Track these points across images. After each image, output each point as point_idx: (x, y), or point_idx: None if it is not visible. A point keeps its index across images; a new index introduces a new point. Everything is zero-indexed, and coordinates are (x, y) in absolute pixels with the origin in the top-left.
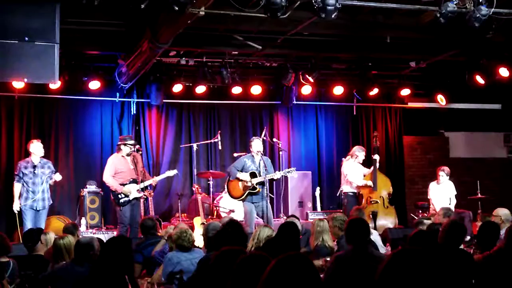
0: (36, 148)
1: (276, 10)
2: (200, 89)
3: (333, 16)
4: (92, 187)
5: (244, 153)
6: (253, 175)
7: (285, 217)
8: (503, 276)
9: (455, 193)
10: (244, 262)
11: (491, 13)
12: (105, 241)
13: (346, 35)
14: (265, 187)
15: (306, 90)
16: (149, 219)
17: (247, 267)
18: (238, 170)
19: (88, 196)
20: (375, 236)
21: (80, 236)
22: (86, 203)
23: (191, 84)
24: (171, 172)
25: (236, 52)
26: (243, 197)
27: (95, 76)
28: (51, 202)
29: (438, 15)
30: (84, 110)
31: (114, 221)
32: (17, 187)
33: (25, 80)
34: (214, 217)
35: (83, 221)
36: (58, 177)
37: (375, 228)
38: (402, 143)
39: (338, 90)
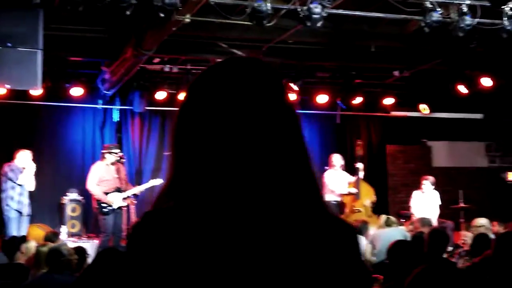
0: (23, 157)
1: (262, 18)
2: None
3: (318, 25)
4: (73, 195)
5: None
6: None
7: None
8: (491, 284)
9: (440, 202)
10: None
11: (475, 23)
12: (88, 249)
13: (331, 43)
14: None
15: (290, 98)
16: None
17: None
18: None
19: (69, 204)
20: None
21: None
22: (67, 211)
23: (175, 92)
24: (156, 181)
25: (221, 60)
26: None
27: (77, 83)
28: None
29: (423, 24)
30: (66, 117)
31: (95, 229)
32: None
33: (7, 86)
34: None
35: (63, 229)
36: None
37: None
38: (385, 151)
39: (322, 98)
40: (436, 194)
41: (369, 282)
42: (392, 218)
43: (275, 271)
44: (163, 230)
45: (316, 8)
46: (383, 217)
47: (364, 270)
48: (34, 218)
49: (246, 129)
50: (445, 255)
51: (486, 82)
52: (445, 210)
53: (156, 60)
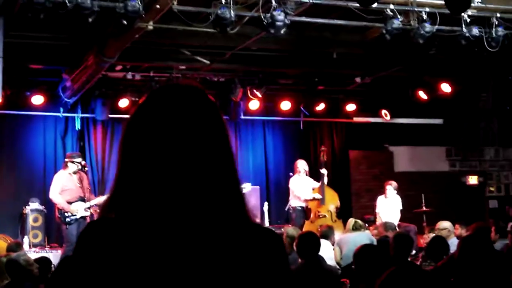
0: None
1: (226, 25)
2: None
3: (281, 32)
4: (35, 205)
5: None
6: None
7: None
8: (456, 285)
9: (401, 207)
10: None
11: (434, 30)
12: (51, 259)
13: (294, 50)
14: None
15: (254, 105)
16: None
17: None
18: None
19: (31, 214)
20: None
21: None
22: (29, 221)
23: (137, 99)
24: None
25: (184, 67)
26: None
27: (38, 91)
28: None
29: (384, 31)
30: (26, 125)
31: (58, 239)
32: None
33: None
34: None
35: (25, 239)
36: None
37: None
38: (348, 157)
39: (286, 105)
40: (398, 199)
41: (291, 285)
42: (360, 222)
43: (202, 278)
44: (101, 240)
45: (279, 16)
46: (351, 221)
47: (288, 274)
48: None
49: (180, 150)
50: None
51: (446, 88)
52: (408, 214)
53: (119, 67)
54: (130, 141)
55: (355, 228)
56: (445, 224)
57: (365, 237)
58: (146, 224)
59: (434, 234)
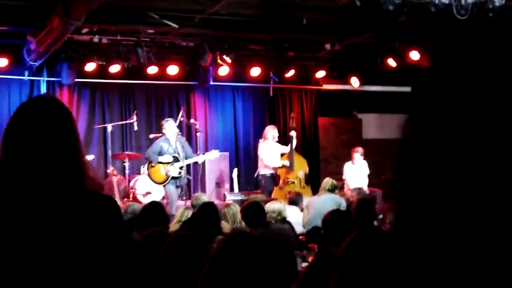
0: None
1: None
2: (114, 68)
3: None
4: None
5: (159, 135)
6: (174, 159)
7: None
8: None
9: (368, 172)
10: (174, 242)
11: None
12: None
13: (264, 16)
14: (184, 169)
15: (223, 71)
16: None
17: (176, 246)
18: (156, 155)
19: None
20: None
21: None
22: None
23: (104, 63)
24: (89, 157)
25: (152, 31)
26: (166, 182)
27: (2, 53)
28: None
29: None
30: None
31: None
32: None
33: None
34: (130, 199)
35: None
36: None
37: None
38: (317, 124)
39: (255, 71)
40: (365, 164)
41: (122, 243)
42: (336, 183)
43: (54, 235)
44: None
45: None
46: (328, 181)
47: (120, 232)
48: None
49: (39, 143)
50: (376, 223)
51: (414, 55)
52: (375, 180)
53: (85, 30)
54: (7, 137)
55: (330, 189)
56: None
57: (333, 200)
58: (13, 193)
59: None
